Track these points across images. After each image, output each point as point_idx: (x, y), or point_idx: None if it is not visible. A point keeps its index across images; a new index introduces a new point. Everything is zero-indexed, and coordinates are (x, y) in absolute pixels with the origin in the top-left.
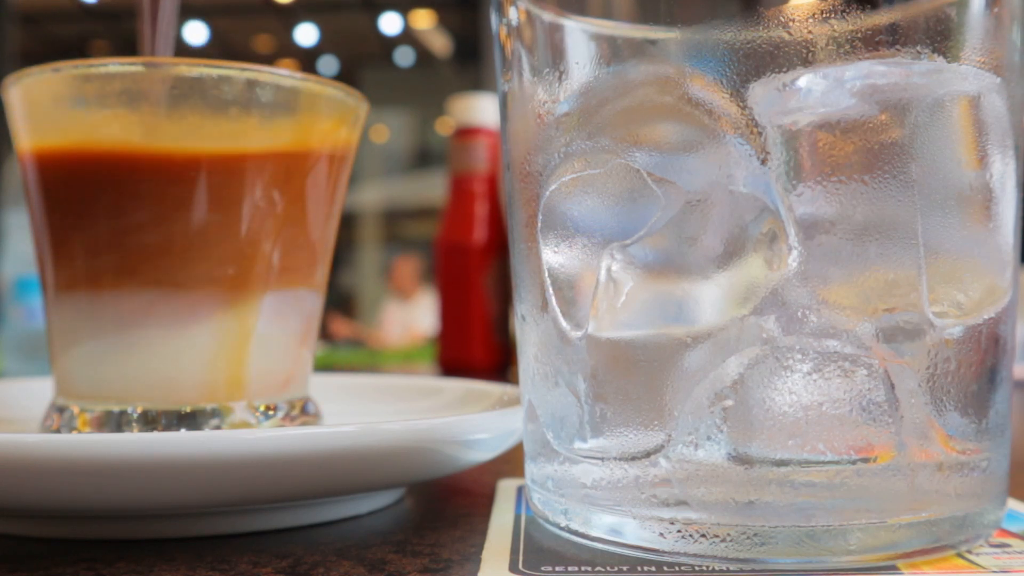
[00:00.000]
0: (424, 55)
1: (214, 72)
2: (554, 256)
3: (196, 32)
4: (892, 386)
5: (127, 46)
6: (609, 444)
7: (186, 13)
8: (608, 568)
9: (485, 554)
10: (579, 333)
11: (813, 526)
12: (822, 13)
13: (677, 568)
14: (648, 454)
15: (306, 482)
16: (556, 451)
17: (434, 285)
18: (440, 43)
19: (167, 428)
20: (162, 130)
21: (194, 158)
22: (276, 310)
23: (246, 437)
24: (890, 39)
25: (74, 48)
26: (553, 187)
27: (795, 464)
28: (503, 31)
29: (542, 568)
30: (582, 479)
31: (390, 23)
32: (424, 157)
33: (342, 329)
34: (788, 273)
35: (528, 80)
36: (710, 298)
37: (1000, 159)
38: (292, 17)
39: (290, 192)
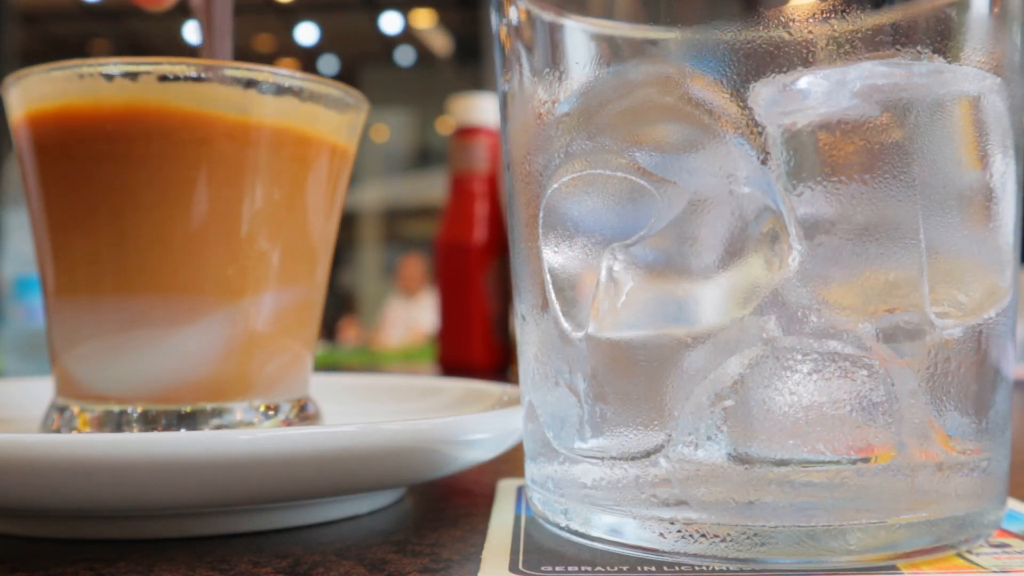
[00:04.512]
0: (424, 55)
1: (214, 71)
2: (555, 256)
3: (196, 31)
4: (892, 386)
5: (128, 46)
6: (609, 444)
7: (186, 12)
8: (608, 568)
9: (485, 554)
10: (580, 333)
11: (813, 526)
12: (822, 13)
13: (677, 568)
14: (648, 454)
15: (306, 482)
16: (556, 451)
17: (434, 285)
18: (440, 43)
19: (167, 428)
20: (162, 130)
21: (194, 158)
22: (276, 310)
23: (246, 437)
24: (890, 39)
25: (74, 48)
26: (554, 187)
27: (795, 464)
28: (503, 31)
29: (542, 568)
30: (582, 479)
31: (390, 22)
32: (424, 157)
33: (350, 334)
34: (789, 273)
35: (528, 80)
36: (711, 298)
37: (1000, 159)
38: (292, 16)
39: (290, 192)
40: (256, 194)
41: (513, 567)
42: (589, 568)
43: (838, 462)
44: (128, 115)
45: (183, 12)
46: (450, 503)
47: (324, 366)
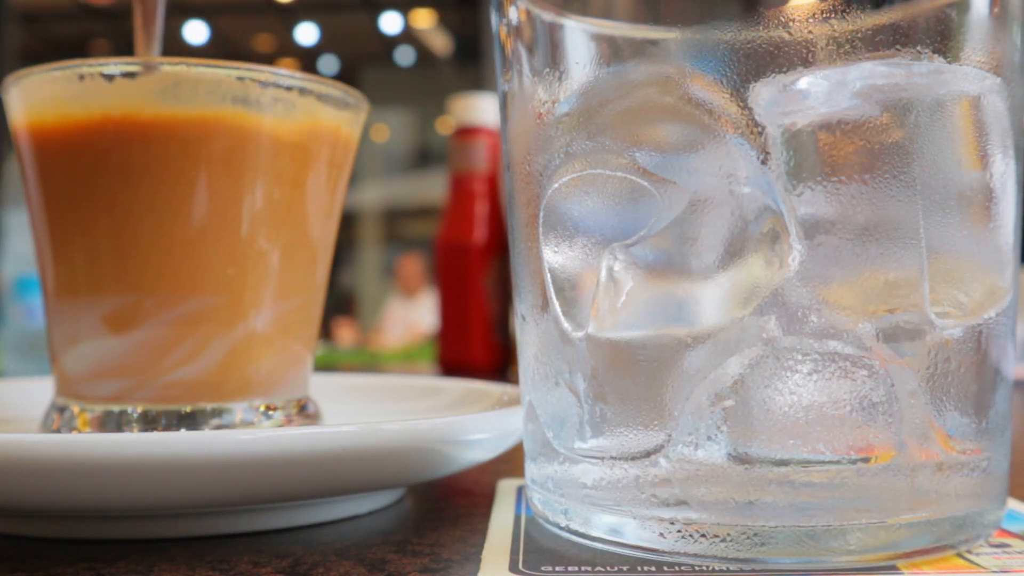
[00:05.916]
0: (424, 55)
1: (214, 72)
2: (555, 256)
3: (196, 31)
4: (892, 386)
5: (128, 45)
6: (609, 444)
7: (186, 12)
8: (608, 568)
9: (485, 554)
10: (580, 333)
11: (813, 526)
12: (822, 13)
13: (677, 568)
14: (648, 454)
15: (306, 482)
16: (556, 451)
17: (434, 285)
18: (440, 43)
19: (167, 428)
20: (162, 130)
21: (194, 158)
22: (276, 310)
23: (246, 437)
24: (890, 39)
25: (74, 47)
26: (554, 187)
27: (795, 464)
28: (503, 31)
29: (542, 568)
30: (582, 479)
31: (390, 22)
32: (424, 157)
33: (347, 335)
34: (789, 273)
35: (528, 80)
36: (711, 298)
37: (1001, 159)
38: (292, 16)
39: (290, 192)
40: (256, 194)
41: (513, 567)
42: (589, 568)
43: (838, 462)
44: (128, 115)
45: (184, 12)
46: (450, 503)
47: (324, 366)
